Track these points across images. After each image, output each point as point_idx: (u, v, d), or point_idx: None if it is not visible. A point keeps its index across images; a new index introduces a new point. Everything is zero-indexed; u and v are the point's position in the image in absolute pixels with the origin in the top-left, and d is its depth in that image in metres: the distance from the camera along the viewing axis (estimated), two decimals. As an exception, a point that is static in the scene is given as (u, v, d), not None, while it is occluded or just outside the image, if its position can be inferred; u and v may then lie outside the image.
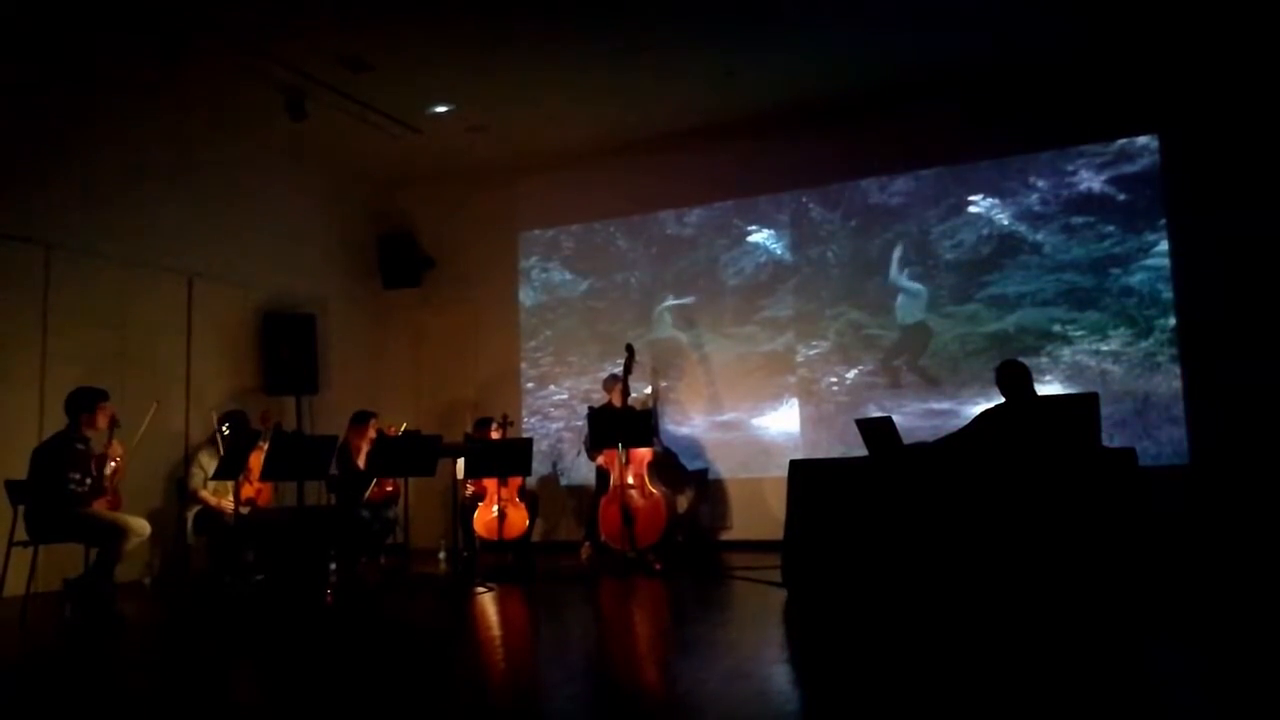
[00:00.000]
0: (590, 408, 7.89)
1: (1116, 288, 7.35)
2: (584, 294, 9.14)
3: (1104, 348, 7.34)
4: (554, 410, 9.14)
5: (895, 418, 5.95)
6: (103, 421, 5.55)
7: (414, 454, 6.43)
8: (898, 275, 8.03)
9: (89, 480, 5.44)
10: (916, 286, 7.96)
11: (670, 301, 8.78)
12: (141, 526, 5.65)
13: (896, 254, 8.03)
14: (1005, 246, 7.70)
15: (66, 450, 5.41)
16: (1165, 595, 4.78)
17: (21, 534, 5.48)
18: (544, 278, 9.33)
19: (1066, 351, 7.44)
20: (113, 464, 5.58)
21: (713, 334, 8.62)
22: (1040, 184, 7.64)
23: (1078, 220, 7.49)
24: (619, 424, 7.23)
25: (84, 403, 5.51)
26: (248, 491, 6.46)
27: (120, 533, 5.48)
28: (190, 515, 6.60)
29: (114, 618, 5.36)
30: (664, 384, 8.71)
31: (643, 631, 5.00)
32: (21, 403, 6.43)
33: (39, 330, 6.61)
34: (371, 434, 7.05)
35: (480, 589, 6.00)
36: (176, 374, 7.55)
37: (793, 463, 5.86)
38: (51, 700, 3.70)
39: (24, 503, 5.48)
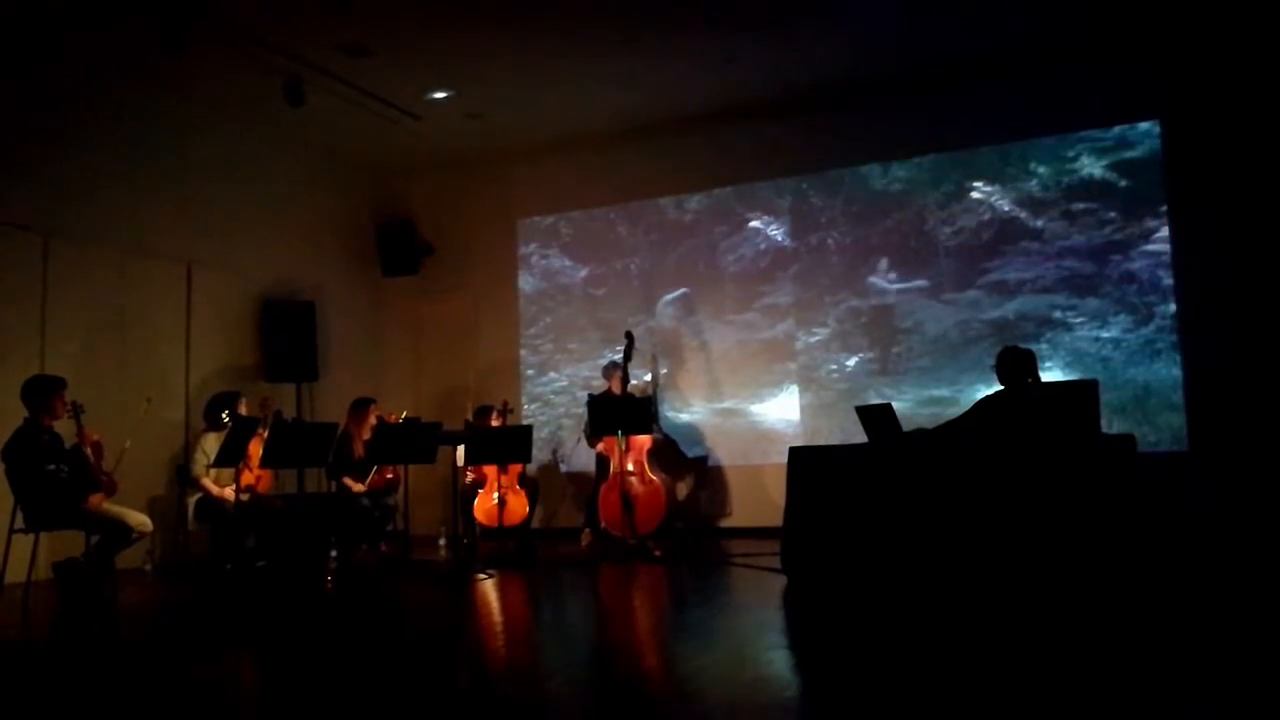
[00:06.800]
0: (590, 395, 7.90)
1: (1117, 274, 7.33)
2: (584, 281, 9.12)
3: (1104, 334, 7.33)
4: (554, 397, 9.14)
5: (895, 405, 5.95)
6: (60, 411, 5.53)
7: (414, 441, 6.44)
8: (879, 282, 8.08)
9: (65, 469, 5.43)
10: (884, 284, 7.99)
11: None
12: (142, 523, 5.67)
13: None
14: (1006, 233, 7.68)
15: (34, 444, 5.39)
16: (1163, 581, 4.78)
17: (21, 521, 5.49)
18: (543, 264, 9.31)
19: (1067, 338, 7.43)
20: (88, 449, 5.57)
21: (712, 321, 8.61)
22: (1041, 170, 7.61)
23: (1078, 206, 7.47)
24: (619, 411, 7.24)
25: (41, 395, 5.48)
26: (247, 479, 6.47)
27: (123, 531, 5.51)
28: (191, 502, 6.61)
29: (105, 604, 5.39)
30: (664, 371, 8.71)
31: (642, 617, 5.01)
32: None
33: (38, 318, 6.60)
34: (372, 421, 7.06)
35: (480, 576, 6.01)
36: (176, 361, 7.54)
37: (792, 450, 5.86)
38: (52, 689, 3.71)
39: (15, 497, 5.47)
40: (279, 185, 8.56)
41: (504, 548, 6.87)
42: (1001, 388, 5.41)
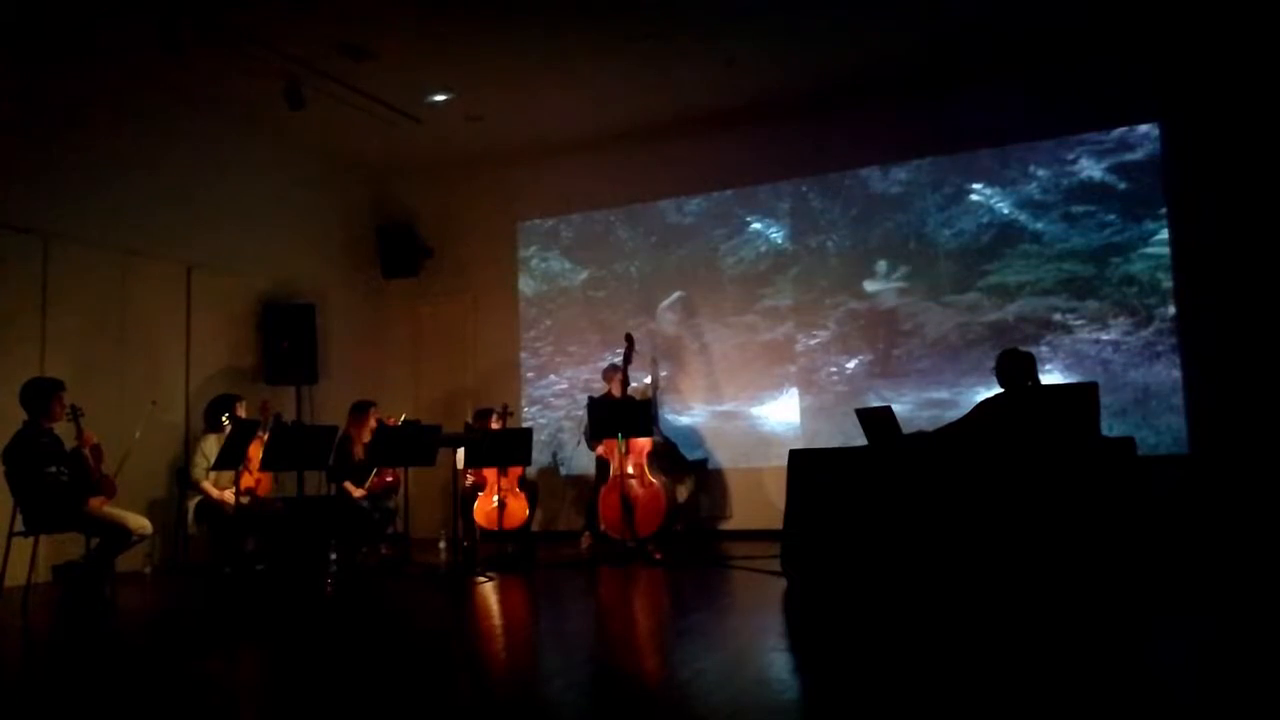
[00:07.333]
0: (590, 397, 7.89)
1: (1117, 277, 7.33)
2: (584, 283, 9.13)
3: (1104, 337, 7.33)
4: (554, 400, 9.14)
5: (895, 407, 5.95)
6: (60, 413, 5.52)
7: (414, 444, 6.44)
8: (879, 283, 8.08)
9: (65, 471, 5.43)
10: (882, 286, 8.01)
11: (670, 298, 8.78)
12: (142, 526, 5.66)
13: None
14: (1005, 235, 7.68)
15: (34, 447, 5.39)
16: (1164, 583, 4.78)
17: (21, 524, 5.49)
18: (544, 267, 9.31)
19: (1066, 340, 7.43)
20: (87, 452, 5.56)
21: (712, 323, 8.61)
22: (1040, 172, 7.61)
23: (1078, 209, 7.47)
24: (618, 414, 7.23)
25: (39, 397, 5.48)
26: (247, 481, 6.47)
27: (123, 534, 5.51)
28: (191, 505, 6.61)
29: (105, 604, 5.39)
30: (664, 373, 8.71)
31: (642, 620, 5.01)
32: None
33: (38, 320, 6.60)
34: (372, 423, 7.06)
35: (480, 578, 6.01)
36: (176, 364, 7.54)
37: (792, 452, 5.86)
38: (51, 691, 3.71)
39: (15, 499, 5.47)
40: (279, 187, 8.56)
41: (504, 550, 6.87)
42: (1001, 390, 5.41)
